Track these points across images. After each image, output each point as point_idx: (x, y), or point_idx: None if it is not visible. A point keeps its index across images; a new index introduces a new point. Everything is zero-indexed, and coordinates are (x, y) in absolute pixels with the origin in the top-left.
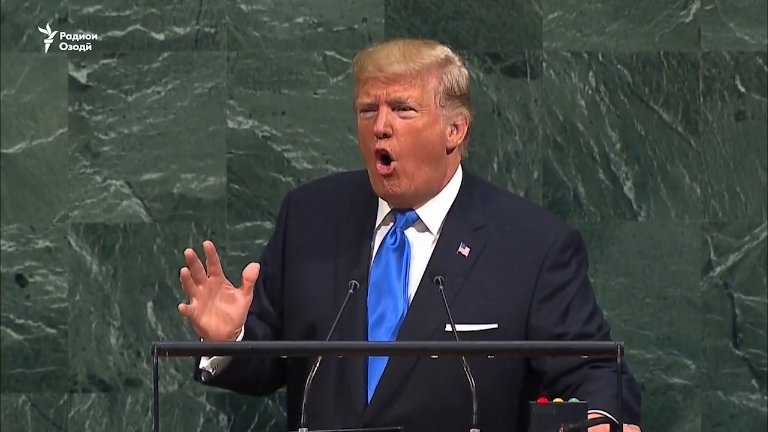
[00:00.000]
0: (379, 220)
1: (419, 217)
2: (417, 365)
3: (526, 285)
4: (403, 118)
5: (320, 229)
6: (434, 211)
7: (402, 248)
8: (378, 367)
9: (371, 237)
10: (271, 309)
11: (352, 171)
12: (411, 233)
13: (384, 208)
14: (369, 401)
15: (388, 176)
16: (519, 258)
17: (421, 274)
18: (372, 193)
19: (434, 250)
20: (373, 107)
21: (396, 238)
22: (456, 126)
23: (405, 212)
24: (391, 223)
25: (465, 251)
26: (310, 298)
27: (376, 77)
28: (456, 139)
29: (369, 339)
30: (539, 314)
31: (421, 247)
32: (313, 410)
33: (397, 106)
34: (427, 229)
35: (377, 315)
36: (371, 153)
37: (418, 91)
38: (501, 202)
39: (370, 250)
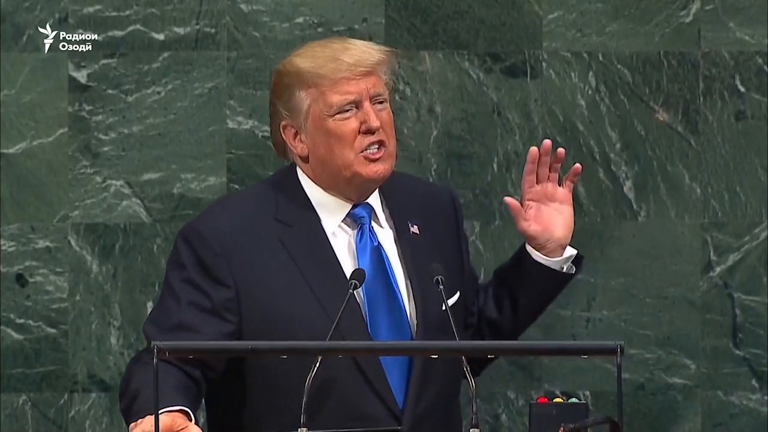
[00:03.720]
0: (329, 226)
1: (374, 209)
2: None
3: (456, 243)
4: (380, 111)
5: (266, 252)
6: (375, 202)
7: (378, 245)
8: (397, 364)
9: (332, 243)
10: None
11: (238, 192)
12: (375, 228)
13: (332, 212)
14: (403, 401)
15: (378, 160)
16: (439, 221)
17: (401, 266)
18: (302, 203)
19: (396, 238)
20: (355, 104)
21: (367, 236)
22: None
23: (362, 207)
24: (349, 226)
25: (415, 229)
26: (294, 321)
27: (355, 73)
28: None
29: (375, 339)
30: (467, 265)
31: (386, 239)
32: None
33: (375, 99)
34: (378, 220)
35: (378, 316)
36: (356, 151)
37: (383, 83)
38: (389, 180)
39: (336, 255)
